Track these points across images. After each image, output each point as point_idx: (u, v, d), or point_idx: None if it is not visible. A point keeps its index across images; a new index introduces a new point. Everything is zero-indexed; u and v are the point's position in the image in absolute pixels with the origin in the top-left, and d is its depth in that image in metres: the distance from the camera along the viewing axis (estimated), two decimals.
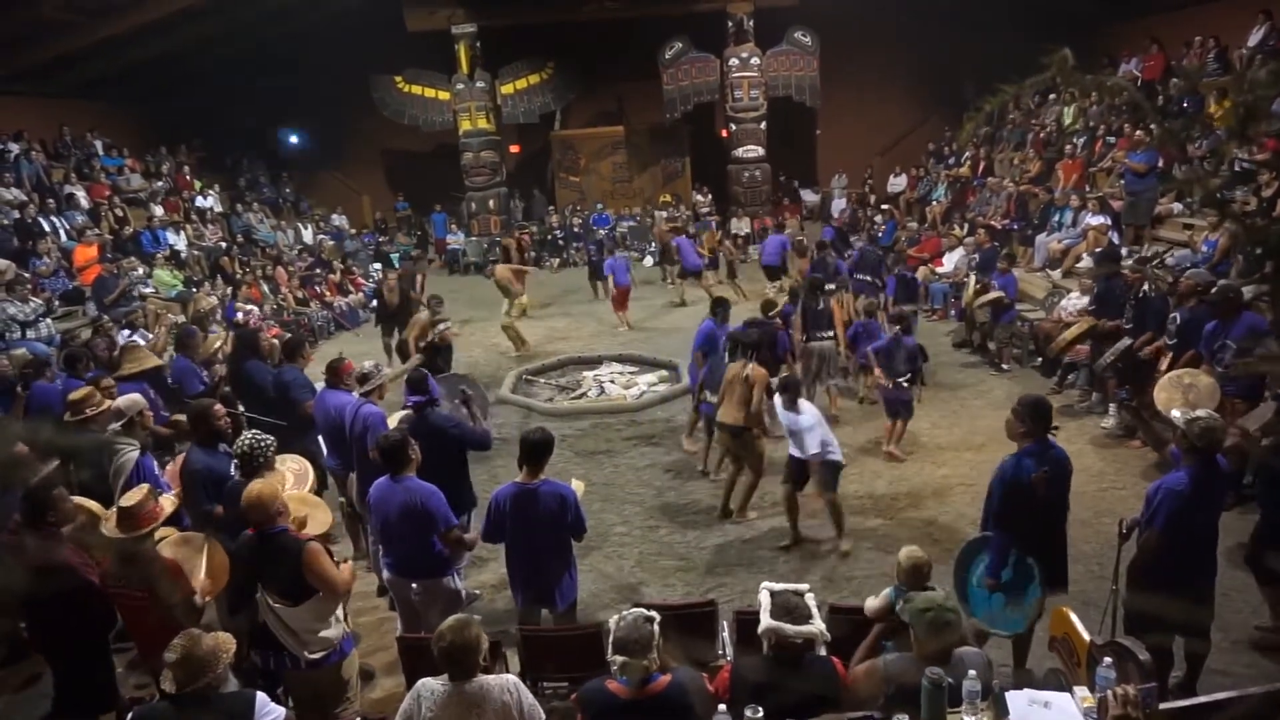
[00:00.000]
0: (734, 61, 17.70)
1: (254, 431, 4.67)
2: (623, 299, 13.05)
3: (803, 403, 6.15)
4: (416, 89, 18.50)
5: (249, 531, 3.85)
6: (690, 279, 14.24)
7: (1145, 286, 7.84)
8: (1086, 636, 3.65)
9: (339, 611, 3.99)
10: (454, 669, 2.99)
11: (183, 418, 6.52)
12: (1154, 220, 10.85)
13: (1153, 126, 11.12)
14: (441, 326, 7.95)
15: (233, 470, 4.77)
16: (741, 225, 18.43)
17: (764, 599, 3.29)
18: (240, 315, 12.07)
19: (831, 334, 8.49)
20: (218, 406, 5.12)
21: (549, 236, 19.44)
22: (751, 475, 6.69)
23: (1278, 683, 3.38)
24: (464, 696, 2.96)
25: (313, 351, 9.58)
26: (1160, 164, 10.59)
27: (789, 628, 3.15)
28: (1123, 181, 11.26)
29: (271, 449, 4.59)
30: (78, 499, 4.69)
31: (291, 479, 4.92)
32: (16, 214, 11.75)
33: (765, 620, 3.18)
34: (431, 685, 3.02)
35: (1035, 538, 4.31)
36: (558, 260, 18.84)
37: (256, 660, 3.97)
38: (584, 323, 13.64)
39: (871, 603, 3.87)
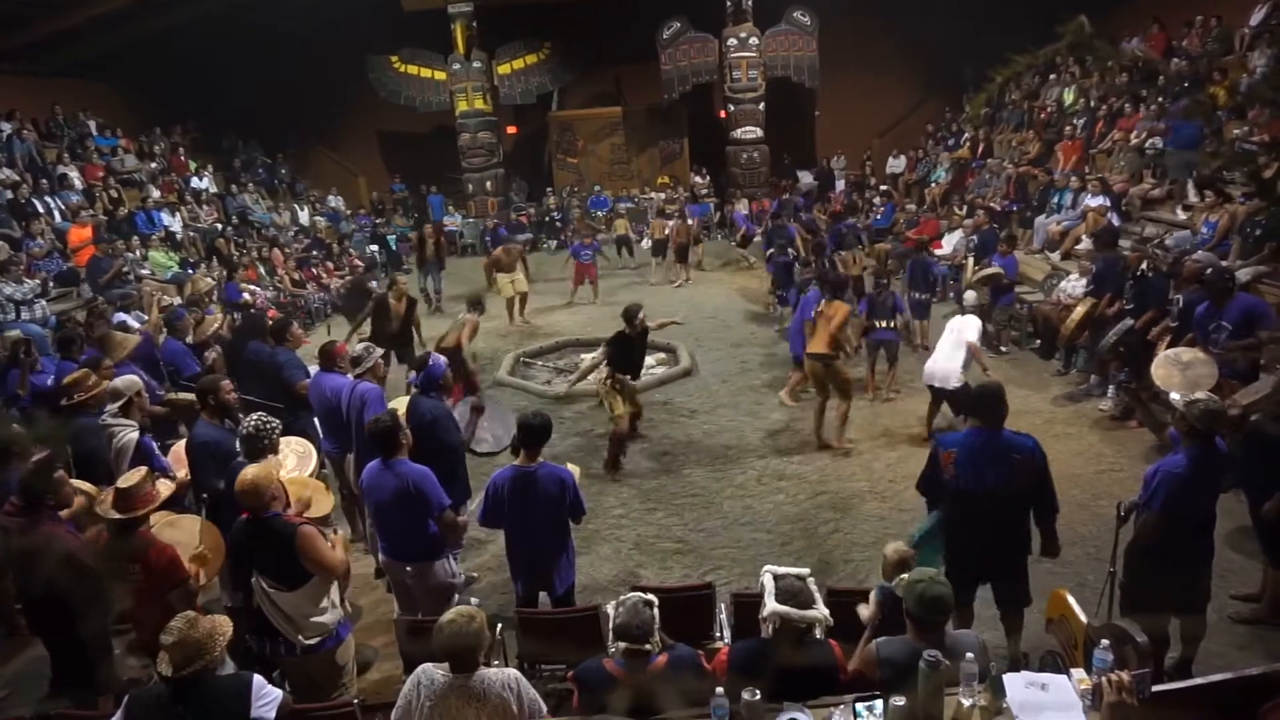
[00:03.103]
0: (732, 42, 17.56)
1: (261, 414, 4.64)
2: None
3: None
4: (413, 69, 18.36)
5: (243, 516, 3.82)
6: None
7: (1144, 265, 7.82)
8: (1084, 619, 3.65)
9: (335, 596, 3.96)
10: (455, 661, 2.94)
11: (177, 396, 6.52)
12: (1151, 202, 10.82)
13: (1160, 101, 11.10)
14: (641, 314, 7.63)
15: (238, 447, 4.75)
16: (740, 207, 18.35)
17: (768, 583, 3.28)
18: (245, 296, 12.02)
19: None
20: (226, 381, 5.10)
21: (547, 219, 19.37)
22: (842, 402, 7.53)
23: (1274, 664, 3.38)
24: (464, 689, 2.92)
25: (308, 334, 9.58)
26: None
27: (795, 612, 3.15)
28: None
29: (277, 432, 4.57)
30: (75, 481, 4.69)
31: (295, 460, 4.91)
32: (9, 194, 11.67)
33: (771, 604, 3.18)
34: (432, 674, 2.98)
35: (964, 524, 4.16)
36: (555, 242, 18.76)
37: (253, 645, 3.96)
38: (582, 305, 13.62)
39: (864, 611, 3.83)
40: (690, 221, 15.60)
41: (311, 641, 3.84)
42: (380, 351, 5.92)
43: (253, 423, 4.46)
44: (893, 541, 3.91)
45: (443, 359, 5.89)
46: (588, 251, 13.66)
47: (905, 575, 3.33)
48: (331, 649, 3.93)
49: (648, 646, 3.08)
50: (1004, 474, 4.09)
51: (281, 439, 4.76)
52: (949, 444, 4.25)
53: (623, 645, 3.07)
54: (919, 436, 7.77)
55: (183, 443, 5.33)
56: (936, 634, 3.12)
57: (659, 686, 3.06)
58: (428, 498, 4.36)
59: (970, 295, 8.26)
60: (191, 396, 5.73)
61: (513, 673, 3.02)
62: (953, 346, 7.37)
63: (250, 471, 3.84)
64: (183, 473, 4.96)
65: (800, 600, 3.20)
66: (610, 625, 3.17)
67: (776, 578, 3.31)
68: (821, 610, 3.23)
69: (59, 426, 5.13)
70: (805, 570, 3.40)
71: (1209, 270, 6.76)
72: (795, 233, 12.79)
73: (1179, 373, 6.02)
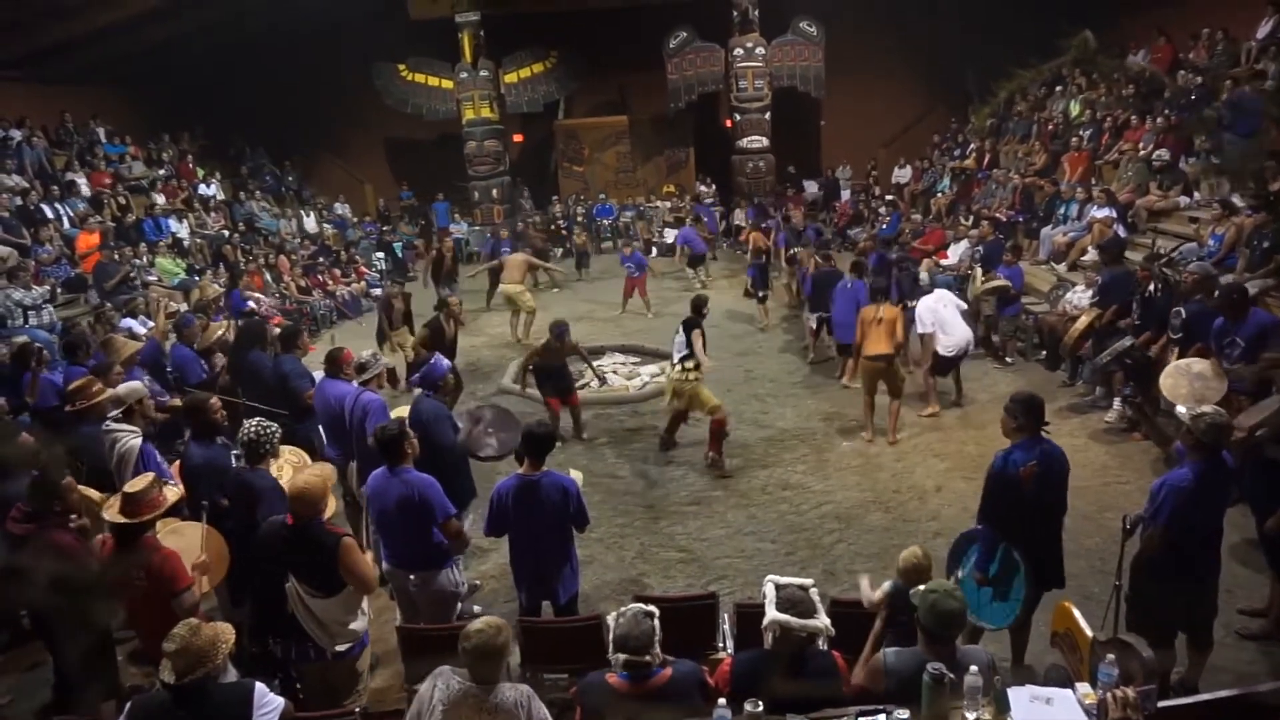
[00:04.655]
0: (739, 51, 17.60)
1: (258, 419, 4.65)
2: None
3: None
4: (420, 77, 18.43)
5: (286, 520, 3.85)
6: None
7: (1151, 287, 7.79)
8: (1089, 633, 3.63)
9: (365, 604, 4.01)
10: (477, 670, 2.96)
11: (180, 402, 6.53)
12: (1157, 213, 10.80)
13: (1166, 114, 11.03)
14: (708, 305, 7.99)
15: (233, 460, 4.76)
16: (735, 217, 18.40)
17: (769, 592, 3.28)
18: (251, 304, 12.07)
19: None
20: (213, 400, 5.08)
21: (552, 226, 19.42)
22: (894, 400, 7.92)
23: None
24: (479, 700, 2.93)
25: (314, 341, 9.59)
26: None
27: (794, 621, 3.14)
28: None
29: (276, 437, 4.58)
30: (80, 488, 4.70)
31: (290, 471, 4.92)
32: (19, 201, 11.73)
33: (770, 613, 3.17)
34: (449, 678, 3.00)
35: (1029, 535, 4.27)
36: (560, 250, 18.79)
37: (276, 650, 3.98)
38: (588, 312, 13.62)
39: (869, 593, 3.87)
40: (705, 220, 15.98)
41: (342, 648, 3.88)
42: (386, 361, 5.92)
43: (252, 429, 4.48)
44: (909, 548, 3.88)
45: (445, 361, 5.92)
46: (629, 264, 13.53)
47: (922, 587, 3.32)
48: (356, 655, 3.97)
49: (648, 658, 3.06)
50: (1061, 479, 4.32)
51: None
52: (1022, 460, 4.23)
53: (622, 657, 3.06)
54: (921, 444, 7.79)
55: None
56: (947, 648, 3.11)
57: (661, 702, 3.05)
58: (432, 506, 4.35)
59: (924, 275, 9.44)
60: None
61: (525, 689, 3.02)
62: (956, 317, 8.31)
63: (303, 478, 3.88)
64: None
65: (801, 610, 3.18)
66: (610, 636, 3.16)
67: (778, 587, 3.30)
68: (823, 620, 3.21)
69: (66, 434, 5.16)
70: (809, 581, 3.39)
71: (1219, 287, 6.72)
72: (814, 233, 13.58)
73: (1187, 383, 5.99)
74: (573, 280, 16.19)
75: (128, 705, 3.06)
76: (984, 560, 4.34)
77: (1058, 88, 15.30)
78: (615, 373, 10.44)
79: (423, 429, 5.05)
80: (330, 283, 15.25)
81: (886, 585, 3.82)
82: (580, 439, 8.30)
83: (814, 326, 10.32)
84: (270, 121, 18.96)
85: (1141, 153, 11.59)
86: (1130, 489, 6.56)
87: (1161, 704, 2.97)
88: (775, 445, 8.01)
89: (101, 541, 4.18)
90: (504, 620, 3.08)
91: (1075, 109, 14.36)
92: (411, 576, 4.55)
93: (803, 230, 14.50)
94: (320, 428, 6.12)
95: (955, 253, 13.04)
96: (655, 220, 19.37)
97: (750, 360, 10.66)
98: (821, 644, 3.26)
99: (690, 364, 7.32)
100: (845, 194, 19.84)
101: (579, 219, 19.26)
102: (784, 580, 3.36)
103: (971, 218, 14.10)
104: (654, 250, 17.95)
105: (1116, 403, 7.90)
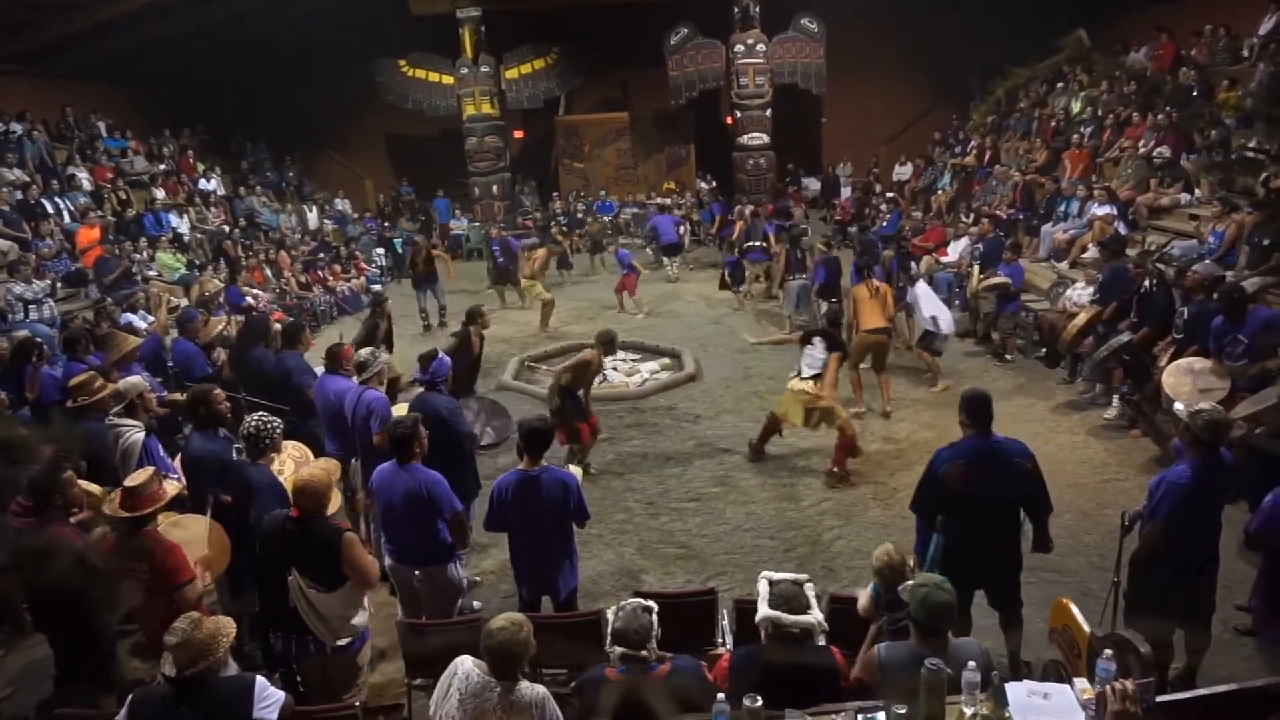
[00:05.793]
0: (740, 48, 17.57)
1: (260, 413, 4.66)
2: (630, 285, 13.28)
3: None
4: (420, 73, 18.40)
5: (290, 514, 3.86)
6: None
7: (1146, 283, 7.79)
8: (1087, 628, 3.64)
9: (365, 599, 4.03)
10: (498, 667, 2.98)
11: (181, 397, 6.54)
12: (1158, 210, 10.79)
13: (1168, 111, 11.00)
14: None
15: (234, 454, 4.76)
16: (745, 212, 18.37)
17: (762, 588, 3.29)
18: (249, 300, 12.07)
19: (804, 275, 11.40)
20: (217, 391, 5.09)
21: (552, 224, 19.40)
22: (883, 372, 8.45)
23: (1278, 676, 3.37)
24: (497, 695, 2.95)
25: (315, 336, 9.59)
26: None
27: (786, 617, 3.15)
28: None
29: (278, 431, 4.58)
30: (81, 482, 4.71)
31: (293, 466, 4.93)
32: (20, 195, 11.72)
33: (763, 609, 3.19)
34: (470, 669, 3.01)
35: (968, 532, 4.16)
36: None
37: (276, 643, 3.99)
38: (588, 308, 13.62)
39: (862, 601, 3.89)
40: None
41: (343, 643, 3.90)
42: (386, 358, 5.91)
43: (253, 423, 4.48)
44: (881, 545, 3.91)
45: (448, 359, 5.92)
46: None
47: (910, 581, 3.33)
48: (357, 650, 3.99)
49: (644, 653, 3.08)
50: (1011, 480, 4.21)
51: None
52: (952, 459, 4.24)
53: (620, 650, 3.07)
54: (920, 440, 7.79)
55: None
56: (940, 641, 3.13)
57: (660, 694, 3.06)
58: (439, 502, 4.38)
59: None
60: None
61: (542, 690, 3.04)
62: (935, 301, 9.12)
63: (309, 472, 3.89)
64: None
65: (794, 605, 3.20)
66: (609, 630, 3.17)
67: (772, 583, 3.31)
68: (816, 615, 3.22)
69: (70, 427, 5.17)
70: (803, 576, 3.41)
71: (1219, 285, 6.72)
72: (770, 231, 13.98)
73: (1189, 382, 6.00)
74: (554, 282, 15.99)
75: (129, 698, 3.07)
76: (920, 546, 4.41)
77: (1059, 84, 15.29)
78: (615, 369, 10.44)
79: (441, 422, 5.06)
80: (330, 278, 15.25)
81: (869, 589, 3.84)
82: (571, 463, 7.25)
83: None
84: (271, 117, 18.94)
85: (1142, 150, 11.58)
86: (1129, 485, 6.57)
87: (1160, 698, 2.98)
88: (775, 442, 8.00)
89: (103, 537, 4.20)
90: (525, 618, 3.09)
91: (1076, 106, 14.34)
92: (417, 572, 4.56)
93: (768, 227, 14.40)
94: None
95: (955, 250, 13.05)
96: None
97: (750, 357, 10.65)
98: (819, 639, 3.27)
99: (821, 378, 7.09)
100: (846, 191, 19.83)
101: (579, 215, 19.24)
102: (778, 576, 3.37)
103: (972, 215, 14.09)
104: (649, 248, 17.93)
105: (1115, 400, 7.91)
